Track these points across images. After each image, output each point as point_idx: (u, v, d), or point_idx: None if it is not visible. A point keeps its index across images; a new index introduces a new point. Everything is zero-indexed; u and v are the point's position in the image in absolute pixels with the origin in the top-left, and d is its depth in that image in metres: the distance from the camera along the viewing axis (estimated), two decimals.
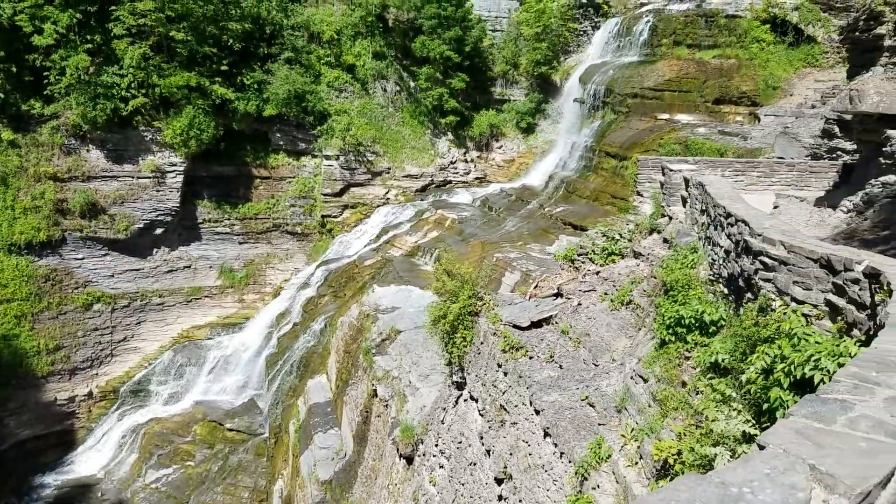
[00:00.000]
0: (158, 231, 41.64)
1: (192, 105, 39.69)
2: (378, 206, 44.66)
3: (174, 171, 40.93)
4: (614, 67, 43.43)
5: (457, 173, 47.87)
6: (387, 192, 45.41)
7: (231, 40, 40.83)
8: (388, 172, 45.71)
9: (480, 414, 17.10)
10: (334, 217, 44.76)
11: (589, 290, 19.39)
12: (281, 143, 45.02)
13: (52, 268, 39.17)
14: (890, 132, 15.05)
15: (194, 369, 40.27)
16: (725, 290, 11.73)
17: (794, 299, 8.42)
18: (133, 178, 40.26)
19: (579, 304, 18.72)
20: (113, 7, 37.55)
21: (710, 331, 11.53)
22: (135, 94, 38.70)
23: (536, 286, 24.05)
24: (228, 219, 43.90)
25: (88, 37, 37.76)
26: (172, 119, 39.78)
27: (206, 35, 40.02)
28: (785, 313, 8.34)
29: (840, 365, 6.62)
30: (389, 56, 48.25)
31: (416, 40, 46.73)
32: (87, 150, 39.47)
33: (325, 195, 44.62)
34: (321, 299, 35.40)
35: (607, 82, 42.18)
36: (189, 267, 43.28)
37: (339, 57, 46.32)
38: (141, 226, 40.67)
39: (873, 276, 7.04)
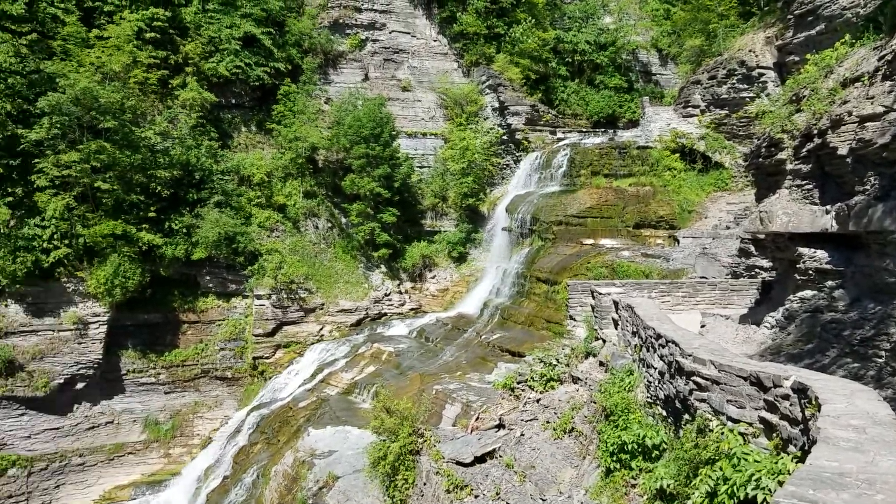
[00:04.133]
0: (80, 385, 39.20)
1: (118, 253, 38.71)
2: (312, 343, 43.67)
3: (97, 321, 39.21)
4: (538, 197, 45.33)
5: (391, 305, 47.77)
6: (321, 329, 44.68)
7: (159, 187, 40.66)
8: (322, 308, 45.22)
9: None
10: (266, 358, 43.44)
11: (531, 420, 19.06)
12: (210, 285, 44.18)
13: None
14: (801, 250, 15.87)
15: None
16: (664, 412, 11.66)
17: (729, 418, 8.39)
18: (53, 331, 38.25)
19: (522, 435, 18.31)
20: (36, 160, 37.29)
21: (653, 455, 11.36)
22: (57, 245, 37.55)
23: (477, 418, 23.55)
24: (154, 368, 41.87)
25: (10, 189, 37.09)
26: (96, 268, 38.63)
27: (133, 183, 39.75)
28: (723, 433, 8.29)
29: (780, 483, 6.54)
30: (320, 194, 49.17)
31: (345, 178, 47.91)
32: (6, 305, 37.55)
33: (256, 336, 43.51)
34: (253, 448, 33.48)
35: (533, 211, 43.84)
36: (112, 422, 40.55)
37: (269, 198, 46.82)
38: (61, 381, 38.21)
39: (801, 391, 7.11)
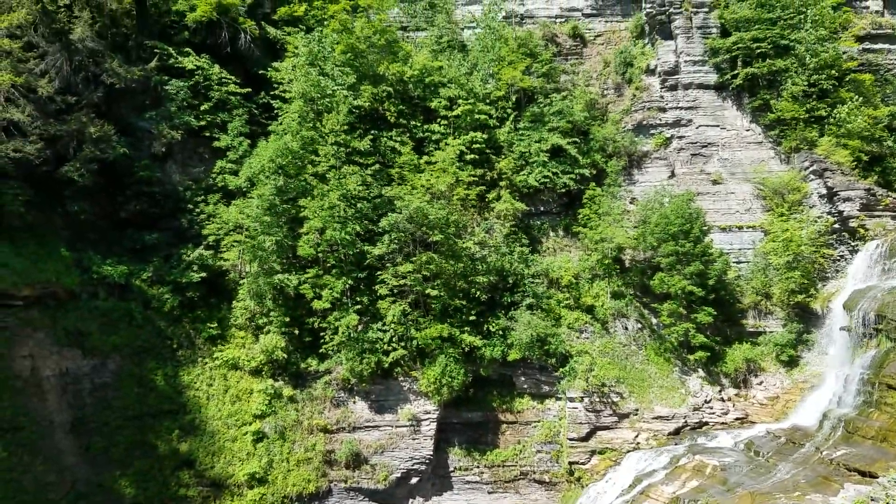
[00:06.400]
0: (414, 480, 42.80)
1: (445, 354, 42.63)
2: (627, 451, 42.04)
3: (428, 418, 42.94)
4: (883, 291, 39.24)
5: (713, 413, 44.21)
6: (636, 436, 42.94)
7: (478, 292, 44.51)
8: (636, 414, 43.66)
9: None
10: (582, 464, 42.83)
11: None
12: (525, 386, 45.75)
13: None
14: None
15: None
16: None
17: None
18: (392, 426, 42.81)
19: None
20: (378, 272, 43.18)
21: None
22: (395, 346, 42.75)
23: None
24: (478, 466, 44.04)
25: (358, 299, 43.35)
26: (427, 368, 42.85)
27: (456, 290, 44.09)
28: None
29: None
30: (628, 295, 48.62)
31: (654, 277, 46.84)
32: (354, 402, 43.23)
33: (571, 440, 43.35)
34: None
35: (877, 308, 37.98)
36: None
37: (577, 299, 47.69)
38: (398, 475, 42.17)
39: None
